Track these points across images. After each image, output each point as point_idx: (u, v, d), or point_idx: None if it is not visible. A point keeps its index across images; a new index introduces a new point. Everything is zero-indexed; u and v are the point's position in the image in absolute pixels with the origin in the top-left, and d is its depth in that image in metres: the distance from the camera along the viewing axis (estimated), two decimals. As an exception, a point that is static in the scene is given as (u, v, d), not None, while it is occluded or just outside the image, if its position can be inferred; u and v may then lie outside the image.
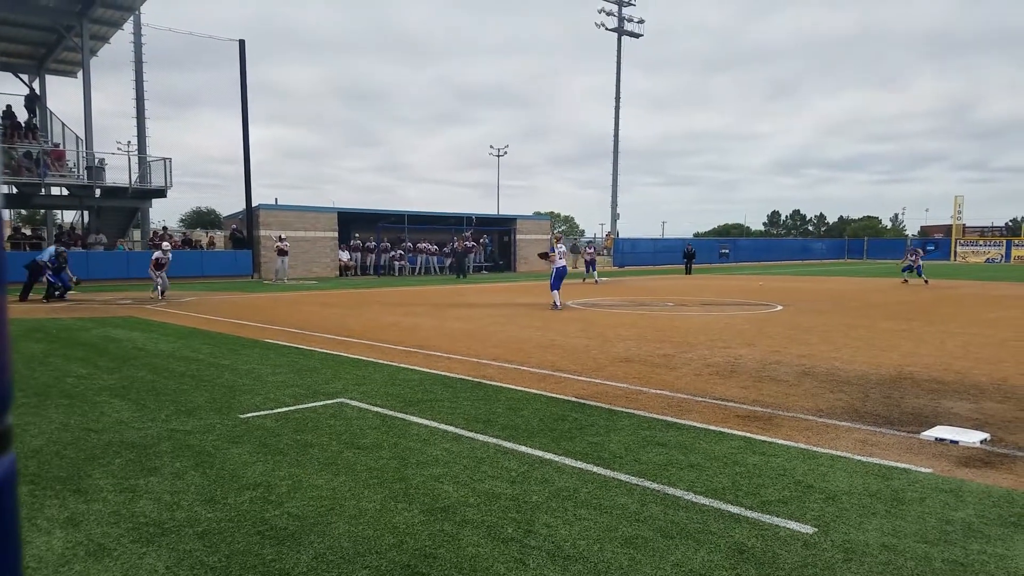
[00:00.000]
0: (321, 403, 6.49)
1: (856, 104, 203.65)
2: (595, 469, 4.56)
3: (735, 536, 3.52)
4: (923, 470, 4.52)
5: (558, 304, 15.99)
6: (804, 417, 5.94)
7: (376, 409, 6.23)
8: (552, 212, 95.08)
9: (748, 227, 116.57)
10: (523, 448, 5.02)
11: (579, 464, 4.66)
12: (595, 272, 27.54)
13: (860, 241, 68.68)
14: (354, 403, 6.46)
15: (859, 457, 4.81)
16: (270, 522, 3.74)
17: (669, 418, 5.89)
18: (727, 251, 55.15)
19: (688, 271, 35.83)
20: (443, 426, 5.64)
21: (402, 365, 8.49)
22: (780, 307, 16.38)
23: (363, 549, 3.39)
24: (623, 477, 4.40)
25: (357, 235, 34.92)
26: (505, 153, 74.61)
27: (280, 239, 27.63)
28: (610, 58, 50.78)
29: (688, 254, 36.65)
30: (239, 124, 29.05)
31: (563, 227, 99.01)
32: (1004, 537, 3.50)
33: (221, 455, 4.91)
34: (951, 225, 63.96)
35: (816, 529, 3.61)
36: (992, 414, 5.98)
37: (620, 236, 51.18)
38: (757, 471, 4.53)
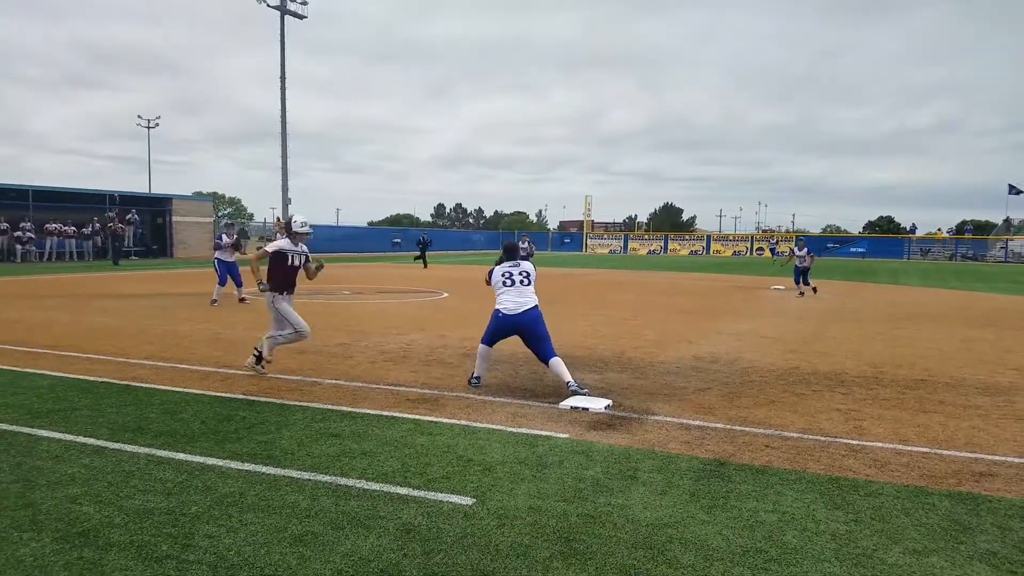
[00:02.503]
0: (-92, 424, 5.22)
1: (504, 108, 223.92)
2: (264, 469, 4.39)
3: (403, 517, 3.69)
4: (561, 436, 5.21)
5: (216, 298, 14.16)
6: (465, 395, 6.43)
7: (-11, 426, 5.20)
8: (216, 193, 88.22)
9: (418, 218, 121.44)
10: (181, 456, 4.62)
11: (246, 466, 4.44)
12: None
13: (512, 233, 76.05)
14: (-43, 421, 5.31)
15: (511, 428, 5.37)
16: None
17: (344, 407, 5.92)
18: (399, 240, 56.81)
19: (423, 261, 31.46)
20: (81, 439, 4.93)
21: (26, 370, 7.20)
22: (447, 294, 17.42)
23: (-28, 597, 2.83)
24: (294, 474, 4.31)
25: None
26: (156, 125, 66.64)
27: None
28: (274, 35, 48.52)
29: (423, 243, 32.76)
30: None
31: (229, 210, 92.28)
32: (623, 489, 4.17)
33: None
34: (583, 221, 74.35)
35: (475, 500, 3.94)
36: (614, 383, 7.12)
37: (292, 222, 49.41)
38: (424, 451, 4.79)
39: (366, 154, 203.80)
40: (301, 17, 49.68)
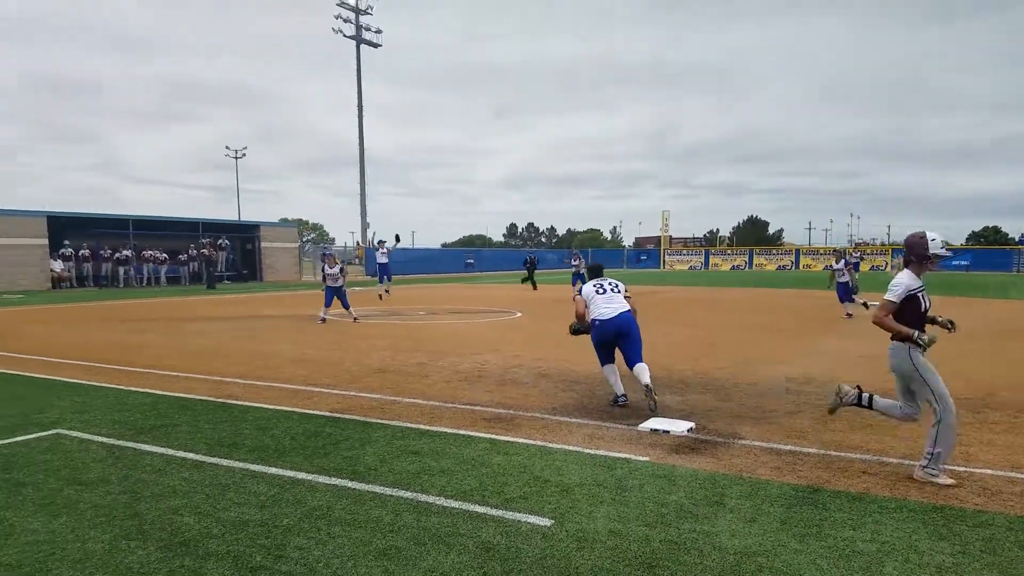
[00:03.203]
0: (34, 436, 5.69)
1: (575, 126, 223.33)
2: (350, 484, 4.54)
3: (482, 535, 3.74)
4: (641, 459, 5.14)
5: (324, 317, 15.85)
6: (541, 416, 6.44)
7: (101, 439, 5.58)
8: (301, 219, 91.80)
9: (490, 238, 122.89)
10: (273, 470, 4.83)
11: (333, 480, 4.61)
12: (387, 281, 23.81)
13: (586, 251, 75.46)
14: (73, 434, 5.73)
15: (588, 450, 5.34)
16: (-26, 576, 3.24)
17: (422, 426, 6.04)
18: (472, 261, 57.53)
19: (530, 282, 29.40)
20: (181, 453, 5.22)
21: (131, 388, 7.68)
22: (520, 314, 17.51)
23: (87, 599, 3.05)
24: (378, 489, 4.44)
25: (67, 242, 30.59)
26: (244, 155, 70.23)
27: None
28: (346, 64, 50.54)
29: (531, 263, 30.48)
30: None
31: (313, 235, 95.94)
32: (710, 515, 4.06)
33: (-96, 505, 4.13)
34: (660, 236, 73.14)
35: (553, 521, 3.95)
36: (697, 405, 6.96)
37: (372, 246, 51.01)
38: (501, 470, 4.83)
39: (438, 177, 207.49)
40: (376, 46, 51.41)
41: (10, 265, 27.53)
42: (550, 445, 5.48)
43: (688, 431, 5.85)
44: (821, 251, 63.84)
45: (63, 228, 30.48)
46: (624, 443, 5.57)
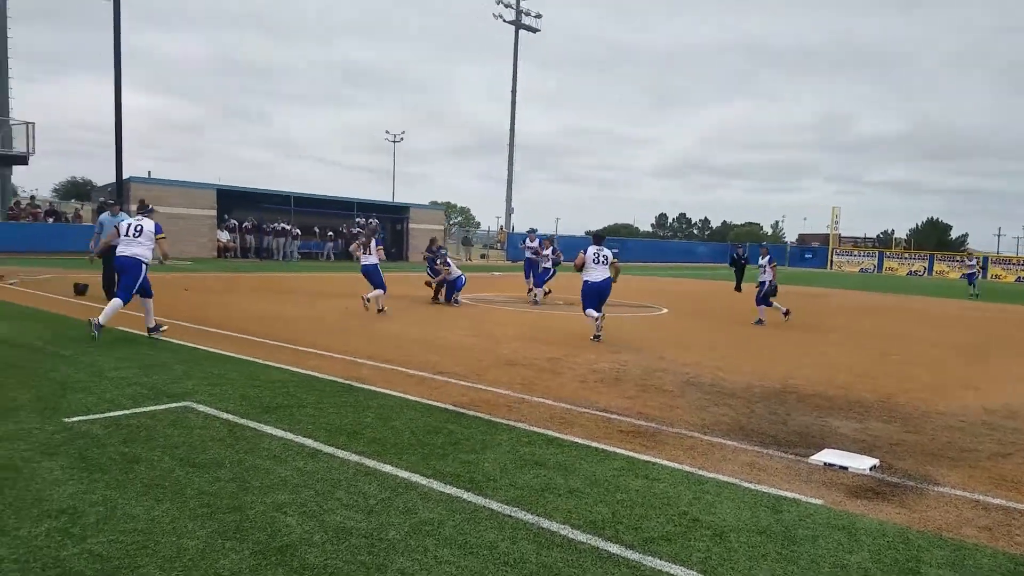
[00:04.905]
0: (164, 406, 5.66)
1: (738, 114, 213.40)
2: (465, 496, 4.03)
3: (615, 584, 3.08)
4: (814, 501, 4.25)
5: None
6: (688, 434, 5.65)
7: (226, 416, 5.46)
8: (448, 203, 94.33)
9: (637, 228, 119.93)
10: (388, 468, 4.43)
11: (448, 489, 4.12)
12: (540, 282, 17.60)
13: (744, 245, 71.15)
14: (202, 408, 5.66)
15: (747, 484, 4.50)
16: (64, 564, 3.03)
17: (551, 432, 5.45)
18: (617, 251, 56.25)
19: (738, 282, 24.31)
20: (300, 439, 4.96)
21: (267, 362, 7.67)
22: (666, 310, 16.51)
23: (166, 609, 2.72)
24: (495, 506, 3.90)
25: (227, 216, 32.95)
26: (402, 139, 72.99)
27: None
28: (502, 50, 50.76)
29: (739, 259, 25.06)
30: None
31: (459, 218, 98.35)
32: (898, 584, 3.22)
33: (28, 471, 4.13)
34: (828, 234, 67.92)
35: (703, 575, 3.22)
36: (879, 435, 5.88)
37: (515, 231, 51.21)
38: (640, 499, 4.14)
39: (587, 164, 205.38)
40: (534, 31, 51.23)
41: (181, 232, 29.92)
42: (700, 472, 4.69)
43: (871, 469, 4.85)
44: (1014, 261, 56.62)
45: (230, 201, 32.80)
46: (791, 478, 4.67)
